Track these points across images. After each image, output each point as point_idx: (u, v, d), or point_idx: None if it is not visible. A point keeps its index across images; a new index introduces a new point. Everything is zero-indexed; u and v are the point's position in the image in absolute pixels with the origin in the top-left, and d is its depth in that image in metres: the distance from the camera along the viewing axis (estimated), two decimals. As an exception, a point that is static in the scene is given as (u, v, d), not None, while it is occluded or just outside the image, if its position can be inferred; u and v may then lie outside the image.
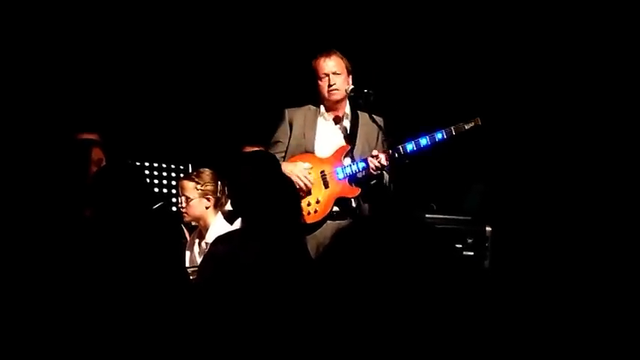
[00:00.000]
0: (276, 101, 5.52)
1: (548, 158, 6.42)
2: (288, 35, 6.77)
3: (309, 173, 5.07)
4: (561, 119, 6.44)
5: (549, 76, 6.51)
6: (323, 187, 5.09)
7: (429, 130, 5.05)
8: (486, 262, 5.36)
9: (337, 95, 5.13)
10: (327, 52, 5.16)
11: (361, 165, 5.06)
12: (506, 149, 6.47)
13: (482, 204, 5.80)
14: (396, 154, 4.98)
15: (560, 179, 6.33)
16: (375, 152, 5.02)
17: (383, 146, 5.11)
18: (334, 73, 5.11)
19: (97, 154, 5.07)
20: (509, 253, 5.63)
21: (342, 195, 5.10)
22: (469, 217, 5.53)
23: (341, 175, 5.09)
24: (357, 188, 5.09)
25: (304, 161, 5.11)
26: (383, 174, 5.09)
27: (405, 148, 5.00)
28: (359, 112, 5.19)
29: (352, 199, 5.11)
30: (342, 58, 5.16)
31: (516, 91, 6.56)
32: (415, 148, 5.01)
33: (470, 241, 5.38)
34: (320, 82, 5.14)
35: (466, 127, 5.03)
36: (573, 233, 6.12)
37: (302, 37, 6.54)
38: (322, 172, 5.10)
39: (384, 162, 4.99)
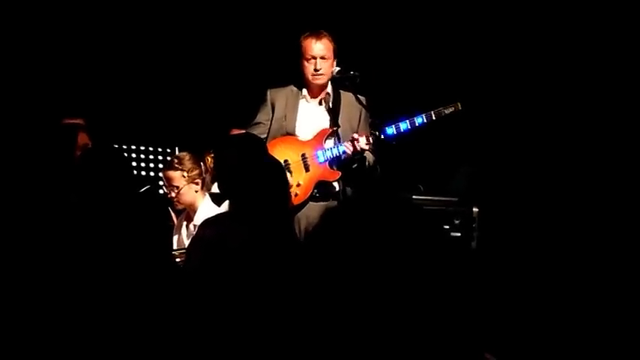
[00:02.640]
0: (261, 82, 5.46)
1: (534, 140, 6.42)
2: (273, 13, 6.73)
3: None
4: (549, 102, 6.44)
5: (539, 59, 6.51)
6: (304, 170, 5.06)
7: (410, 113, 5.04)
8: (473, 243, 5.36)
9: (321, 80, 5.08)
10: (316, 34, 5.07)
11: (342, 149, 5.02)
12: (493, 131, 6.46)
13: (470, 185, 5.80)
14: (377, 138, 4.96)
15: (548, 160, 6.34)
16: (355, 135, 4.99)
17: (365, 127, 5.09)
18: (322, 57, 5.04)
19: (82, 139, 5.05)
20: (496, 233, 5.63)
21: (323, 178, 5.07)
22: (456, 199, 5.52)
23: (321, 159, 5.06)
24: (337, 172, 5.06)
25: (285, 144, 5.08)
26: (365, 157, 5.06)
27: (385, 132, 4.98)
28: (342, 91, 5.14)
29: (334, 183, 5.09)
30: (330, 42, 5.08)
31: (504, 74, 6.55)
32: (395, 132, 4.99)
33: (457, 222, 5.37)
34: (305, 63, 5.06)
35: (446, 112, 5.02)
36: (560, 214, 6.13)
37: (288, 15, 6.50)
38: (303, 155, 5.07)
39: (363, 145, 4.97)
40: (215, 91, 6.89)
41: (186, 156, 5.17)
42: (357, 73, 5.02)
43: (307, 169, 5.07)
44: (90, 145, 4.99)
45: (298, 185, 5.00)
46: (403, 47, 6.78)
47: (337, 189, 5.08)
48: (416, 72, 6.68)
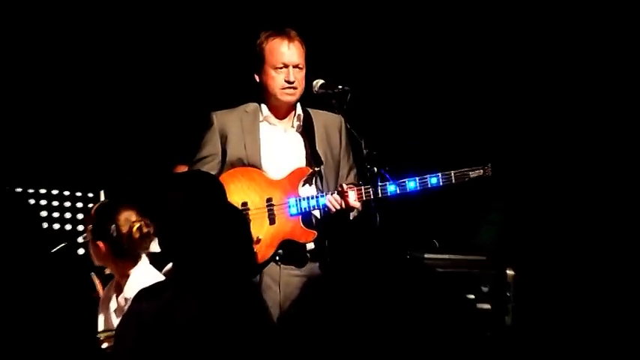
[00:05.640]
0: (206, 102, 5.47)
1: (587, 174, 6.46)
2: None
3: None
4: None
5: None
6: (267, 221, 5.04)
7: (421, 164, 5.10)
8: (508, 318, 5.36)
9: (295, 97, 5.09)
10: (286, 35, 5.09)
11: (323, 201, 5.03)
12: (531, 164, 6.47)
13: (501, 238, 5.80)
14: (372, 196, 4.96)
15: (606, 202, 6.36)
16: (344, 186, 4.99)
17: (347, 154, 5.16)
18: (296, 66, 5.06)
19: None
20: (538, 305, 5.63)
21: (291, 238, 5.05)
22: (484, 257, 5.53)
23: (294, 210, 5.05)
24: (311, 232, 5.03)
25: (247, 179, 5.07)
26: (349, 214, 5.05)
27: (385, 190, 4.98)
28: (310, 110, 5.18)
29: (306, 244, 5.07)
30: (303, 45, 5.12)
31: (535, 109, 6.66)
32: (399, 192, 5.01)
33: (485, 289, 5.38)
34: (272, 74, 5.06)
35: (471, 175, 5.06)
36: (624, 279, 6.13)
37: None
38: (269, 200, 5.04)
39: (353, 202, 4.96)
40: (154, 115, 6.89)
41: (95, 205, 5.08)
42: (347, 88, 5.02)
43: (272, 222, 5.04)
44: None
45: (257, 241, 4.94)
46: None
47: (311, 248, 5.05)
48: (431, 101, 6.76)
